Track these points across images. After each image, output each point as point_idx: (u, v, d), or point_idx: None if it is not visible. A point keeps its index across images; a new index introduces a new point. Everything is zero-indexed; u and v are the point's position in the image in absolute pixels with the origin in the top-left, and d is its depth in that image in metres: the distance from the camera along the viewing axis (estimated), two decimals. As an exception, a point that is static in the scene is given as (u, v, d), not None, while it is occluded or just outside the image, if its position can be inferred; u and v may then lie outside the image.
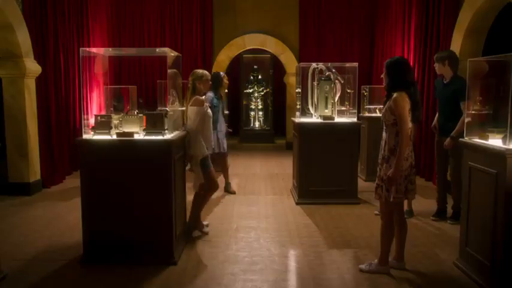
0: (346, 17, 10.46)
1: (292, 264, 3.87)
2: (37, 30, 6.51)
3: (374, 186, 3.58)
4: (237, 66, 12.62)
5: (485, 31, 5.92)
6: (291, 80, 10.61)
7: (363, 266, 3.67)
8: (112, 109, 5.55)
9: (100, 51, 5.33)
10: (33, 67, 6.24)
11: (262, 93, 12.91)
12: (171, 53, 4.23)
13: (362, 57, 10.25)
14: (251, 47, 11.21)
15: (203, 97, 4.55)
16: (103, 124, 3.86)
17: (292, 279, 3.58)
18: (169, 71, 4.31)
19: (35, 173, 6.44)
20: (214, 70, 10.63)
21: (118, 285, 3.43)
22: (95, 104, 8.62)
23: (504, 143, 3.15)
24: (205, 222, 4.69)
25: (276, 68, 12.47)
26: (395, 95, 3.40)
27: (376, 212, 5.20)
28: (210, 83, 4.71)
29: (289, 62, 10.94)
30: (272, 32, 10.87)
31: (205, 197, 4.56)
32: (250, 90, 12.89)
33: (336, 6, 10.43)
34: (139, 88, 9.19)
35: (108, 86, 5.83)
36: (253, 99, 12.94)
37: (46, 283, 3.50)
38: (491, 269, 3.20)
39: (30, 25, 6.26)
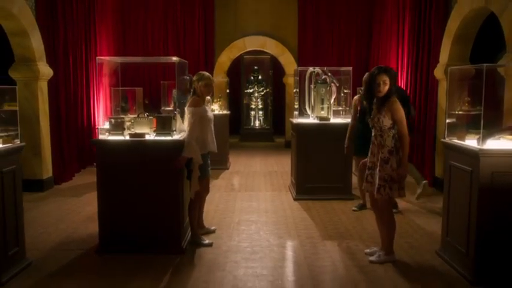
0: (344, 21, 10.77)
1: (289, 253, 4.25)
2: (49, 35, 6.87)
3: (376, 188, 3.80)
4: (237, 66, 12.98)
5: (472, 37, 6.27)
6: (290, 80, 10.94)
7: (373, 258, 3.96)
8: (119, 109, 5.93)
9: (115, 60, 5.70)
10: (45, 70, 6.61)
11: (262, 93, 13.27)
12: (176, 59, 4.60)
13: (358, 59, 10.63)
14: (251, 49, 11.59)
15: (207, 98, 4.68)
16: (117, 126, 4.21)
17: (289, 266, 3.96)
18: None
19: (47, 170, 6.81)
20: (215, 71, 11.05)
21: (132, 272, 3.79)
22: (102, 105, 9.00)
23: (478, 143, 3.52)
24: (212, 228, 4.76)
25: (276, 68, 12.83)
26: (392, 100, 3.75)
27: (354, 208, 5.55)
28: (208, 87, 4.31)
29: (289, 63, 11.30)
30: (272, 34, 11.23)
31: (200, 203, 4.51)
32: (251, 90, 13.26)
33: (334, 10, 10.76)
34: (144, 89, 9.50)
35: (116, 88, 6.19)
36: (254, 99, 13.31)
37: (67, 270, 3.88)
38: (467, 255, 3.58)
39: (43, 31, 6.62)
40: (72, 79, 7.71)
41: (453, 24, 6.26)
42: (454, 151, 3.81)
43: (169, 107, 8.86)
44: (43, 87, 6.68)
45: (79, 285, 3.61)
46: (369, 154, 3.93)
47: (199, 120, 4.16)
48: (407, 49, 7.86)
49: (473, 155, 3.47)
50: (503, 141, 3.69)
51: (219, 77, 11.10)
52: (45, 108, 6.75)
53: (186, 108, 4.25)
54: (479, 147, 3.46)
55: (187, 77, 6.91)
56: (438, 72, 6.64)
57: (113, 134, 4.22)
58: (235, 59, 11.82)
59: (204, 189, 4.48)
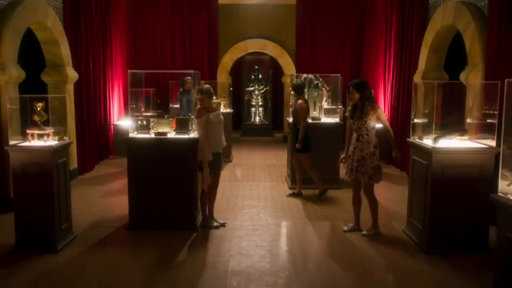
0: (338, 28, 11.63)
1: (283, 230, 5.21)
2: (74, 43, 7.78)
3: (368, 176, 4.76)
4: (239, 66, 13.88)
5: (445, 48, 7.20)
6: (288, 80, 11.86)
7: (364, 232, 4.96)
8: (134, 107, 6.86)
9: (142, 72, 6.71)
10: (72, 74, 7.52)
11: (262, 91, 14.20)
12: (192, 72, 5.53)
13: (352, 61, 11.54)
14: (253, 50, 12.49)
15: (216, 103, 5.38)
16: (143, 126, 5.14)
17: (283, 240, 4.93)
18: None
19: (73, 162, 7.74)
20: (219, 71, 11.98)
21: (157, 244, 4.72)
22: (116, 104, 9.93)
23: (432, 143, 4.46)
24: (221, 221, 5.30)
25: (275, 68, 13.75)
26: (376, 106, 4.77)
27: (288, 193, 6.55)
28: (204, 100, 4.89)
29: (287, 64, 12.20)
30: (272, 38, 12.12)
31: (212, 194, 5.21)
32: (251, 88, 14.18)
33: (329, 17, 11.65)
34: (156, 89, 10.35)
35: (132, 90, 7.10)
36: (254, 96, 14.24)
37: (105, 242, 4.83)
38: (423, 231, 4.54)
39: (69, 40, 7.52)
40: (92, 81, 8.64)
41: (429, 37, 7.19)
42: (415, 148, 4.75)
43: (176, 104, 9.81)
44: (70, 89, 7.60)
45: (115, 253, 4.55)
46: (356, 150, 4.82)
47: (206, 126, 4.84)
48: (393, 57, 8.79)
49: (427, 152, 4.42)
50: (454, 140, 4.63)
51: (223, 78, 12.03)
52: (72, 108, 7.67)
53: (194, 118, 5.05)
54: (432, 145, 4.40)
55: (187, 78, 7.96)
56: (417, 77, 7.57)
57: (140, 133, 5.15)
58: (238, 59, 12.71)
59: (214, 183, 5.15)
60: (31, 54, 7.59)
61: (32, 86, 6.65)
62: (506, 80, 2.60)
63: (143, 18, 11.47)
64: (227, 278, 3.95)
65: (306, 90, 6.87)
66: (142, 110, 8.17)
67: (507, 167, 2.70)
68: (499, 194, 2.59)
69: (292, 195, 6.55)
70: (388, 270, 4.16)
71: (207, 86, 4.99)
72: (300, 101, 6.30)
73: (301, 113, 6.23)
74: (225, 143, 5.20)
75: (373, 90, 6.40)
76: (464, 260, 4.30)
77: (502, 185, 2.63)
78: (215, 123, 4.96)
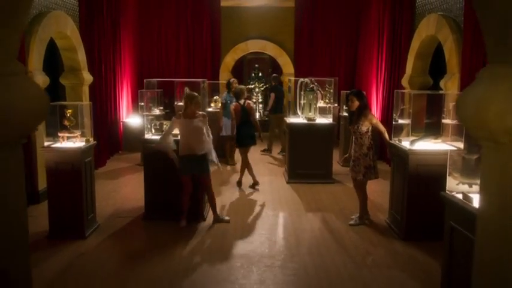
0: (335, 31, 12.25)
1: (280, 220, 5.92)
2: (88, 49, 8.43)
3: (361, 174, 5.44)
4: (240, 64, 14.50)
5: (429, 55, 7.86)
6: (287, 79, 12.50)
7: (352, 222, 5.65)
8: (143, 105, 7.56)
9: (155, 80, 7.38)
10: (88, 77, 8.19)
11: (262, 89, 14.85)
12: (201, 80, 6.18)
13: (347, 64, 12.19)
14: (253, 51, 13.12)
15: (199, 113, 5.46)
16: (157, 129, 5.83)
17: (280, 228, 5.64)
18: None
19: (88, 158, 8.44)
20: (221, 70, 12.63)
21: (170, 232, 5.41)
22: (125, 104, 10.60)
23: (409, 145, 5.14)
24: (226, 218, 5.80)
25: (274, 67, 14.36)
26: (367, 113, 5.42)
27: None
28: (190, 103, 5.35)
29: (286, 63, 12.85)
30: (271, 39, 12.74)
31: (209, 195, 5.68)
32: (252, 86, 14.82)
33: (327, 20, 12.27)
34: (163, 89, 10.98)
35: (142, 90, 7.78)
36: (254, 94, 14.88)
37: (124, 230, 5.53)
38: (401, 221, 5.24)
39: (85, 46, 8.17)
40: (104, 83, 9.30)
41: (415, 44, 7.84)
42: (395, 149, 5.44)
43: (181, 102, 10.47)
44: (86, 91, 8.27)
45: (134, 239, 5.27)
46: (352, 151, 5.56)
47: (175, 127, 5.41)
48: (384, 61, 9.43)
49: (405, 153, 5.10)
50: (429, 143, 5.31)
51: (225, 77, 12.63)
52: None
53: None
54: (408, 147, 5.09)
55: (233, 80, 9.23)
56: (404, 81, 8.24)
57: (155, 134, 5.84)
58: (239, 58, 13.34)
59: (205, 186, 5.62)
60: (46, 59, 8.26)
61: (49, 88, 7.30)
62: (451, 105, 3.27)
63: (150, 21, 12.11)
64: (232, 260, 4.66)
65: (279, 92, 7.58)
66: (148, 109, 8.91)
67: (456, 168, 3.38)
68: (447, 191, 3.28)
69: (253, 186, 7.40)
70: (369, 254, 4.87)
71: (196, 94, 5.50)
72: (232, 104, 7.48)
73: (233, 114, 7.33)
74: (203, 151, 5.39)
75: (364, 92, 7.10)
76: (435, 245, 4.95)
77: (451, 183, 3.32)
78: (186, 126, 5.31)
